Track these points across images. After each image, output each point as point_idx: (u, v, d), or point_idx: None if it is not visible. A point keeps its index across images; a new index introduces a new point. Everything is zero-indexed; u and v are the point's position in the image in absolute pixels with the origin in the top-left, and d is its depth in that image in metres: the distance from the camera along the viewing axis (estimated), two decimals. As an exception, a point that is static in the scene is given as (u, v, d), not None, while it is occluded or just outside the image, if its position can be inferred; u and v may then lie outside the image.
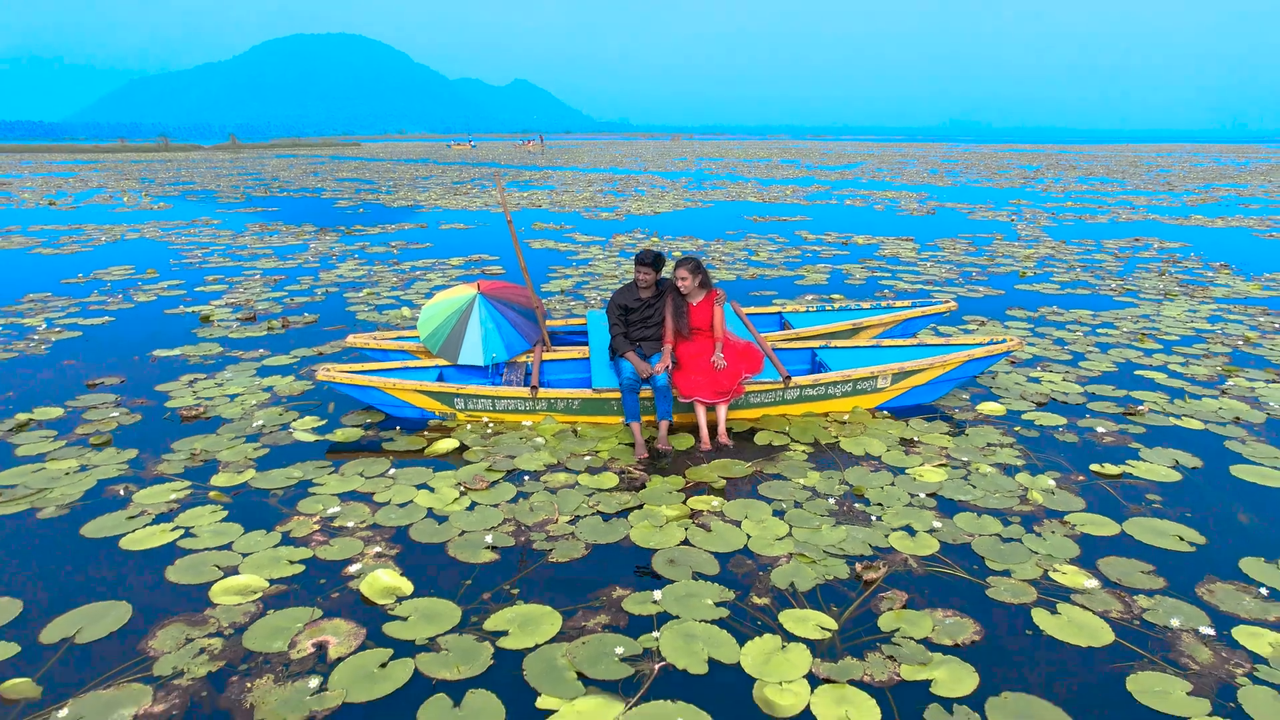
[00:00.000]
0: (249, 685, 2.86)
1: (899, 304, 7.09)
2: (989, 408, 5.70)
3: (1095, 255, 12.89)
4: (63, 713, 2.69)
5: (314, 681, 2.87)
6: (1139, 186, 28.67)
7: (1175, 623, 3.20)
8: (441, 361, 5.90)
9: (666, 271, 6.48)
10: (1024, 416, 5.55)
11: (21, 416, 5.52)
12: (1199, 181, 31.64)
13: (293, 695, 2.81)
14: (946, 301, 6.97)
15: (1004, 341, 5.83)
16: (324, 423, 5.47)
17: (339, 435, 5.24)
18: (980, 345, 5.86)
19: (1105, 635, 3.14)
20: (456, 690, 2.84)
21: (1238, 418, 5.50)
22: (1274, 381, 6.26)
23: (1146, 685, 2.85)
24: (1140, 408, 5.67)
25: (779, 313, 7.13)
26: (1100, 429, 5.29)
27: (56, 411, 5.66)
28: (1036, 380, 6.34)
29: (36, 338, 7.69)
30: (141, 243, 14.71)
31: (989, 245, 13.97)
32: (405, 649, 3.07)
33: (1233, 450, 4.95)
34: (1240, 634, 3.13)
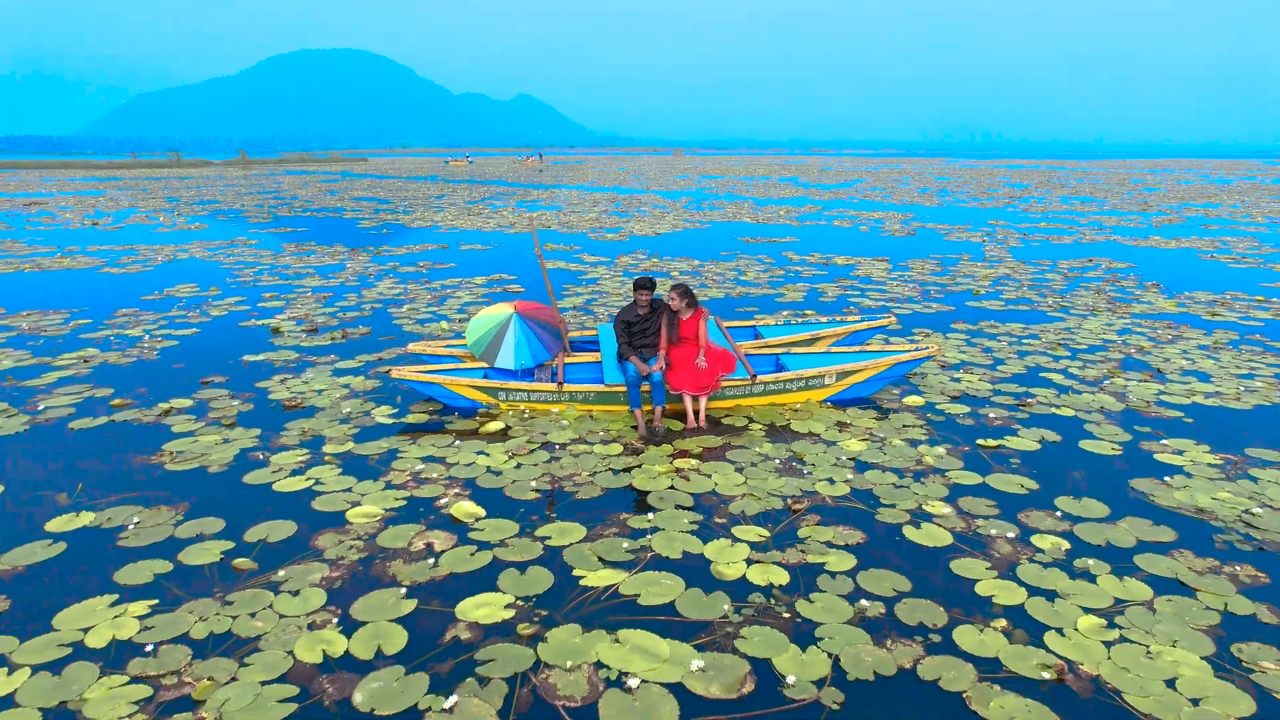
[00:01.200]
0: (387, 564, 4.47)
1: (850, 318, 8.73)
2: (912, 400, 7.30)
3: (1047, 275, 14.50)
4: (281, 573, 4.32)
5: (430, 561, 4.49)
6: (1116, 206, 30.30)
7: (993, 532, 4.80)
8: (483, 364, 7.51)
9: (661, 292, 8.10)
10: (938, 406, 7.15)
11: (163, 405, 7.16)
12: (1176, 201, 33.30)
13: (417, 568, 4.42)
14: (889, 317, 8.60)
15: (927, 348, 7.45)
16: (396, 410, 7.09)
17: (410, 419, 6.86)
18: (907, 351, 7.47)
19: (946, 539, 4.74)
20: (521, 566, 4.46)
21: (1102, 407, 7.10)
22: (1144, 381, 7.86)
23: (962, 565, 4.45)
24: (1030, 400, 7.27)
25: (753, 326, 8.75)
26: (992, 414, 6.89)
27: (187, 402, 7.29)
28: (958, 380, 7.94)
29: (145, 345, 9.35)
30: (193, 262, 16.40)
31: (955, 265, 15.60)
32: (485, 546, 4.69)
33: (1088, 430, 6.55)
34: (1035, 539, 4.74)
